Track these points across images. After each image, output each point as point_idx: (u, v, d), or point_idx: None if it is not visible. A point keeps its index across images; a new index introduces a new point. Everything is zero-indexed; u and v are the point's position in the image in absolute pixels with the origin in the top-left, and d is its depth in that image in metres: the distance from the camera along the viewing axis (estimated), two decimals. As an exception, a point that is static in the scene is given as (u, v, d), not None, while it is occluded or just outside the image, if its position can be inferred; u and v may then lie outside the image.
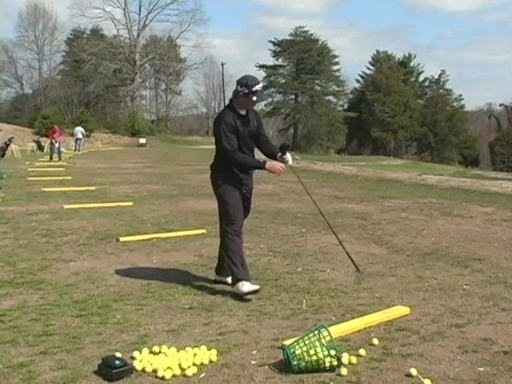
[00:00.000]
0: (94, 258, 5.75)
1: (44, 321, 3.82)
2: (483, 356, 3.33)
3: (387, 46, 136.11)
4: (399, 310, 4.11)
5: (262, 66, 68.29)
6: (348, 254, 4.87)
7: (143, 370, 3.06)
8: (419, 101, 71.56)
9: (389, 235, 7.21)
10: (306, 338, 3.16)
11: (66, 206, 9.19)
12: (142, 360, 3.14)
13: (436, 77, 71.83)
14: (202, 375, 3.04)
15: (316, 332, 3.16)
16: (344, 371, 3.06)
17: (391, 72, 67.05)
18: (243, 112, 4.53)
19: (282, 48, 67.76)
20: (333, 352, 3.08)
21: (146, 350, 3.26)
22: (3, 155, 11.79)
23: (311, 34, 67.90)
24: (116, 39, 60.04)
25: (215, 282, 4.85)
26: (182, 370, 3.07)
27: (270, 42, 68.52)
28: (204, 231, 7.20)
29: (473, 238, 7.14)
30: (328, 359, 3.08)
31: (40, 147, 28.93)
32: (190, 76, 67.74)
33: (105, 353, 3.24)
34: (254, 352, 3.35)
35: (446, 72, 71.49)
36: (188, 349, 3.29)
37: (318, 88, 68.44)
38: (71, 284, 4.74)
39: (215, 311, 4.10)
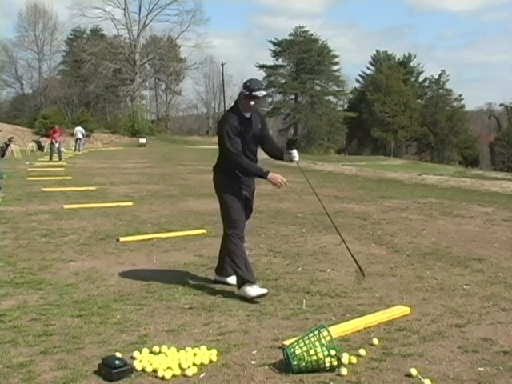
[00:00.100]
0: (94, 258, 5.75)
1: (44, 321, 3.82)
2: (483, 356, 3.34)
3: (387, 46, 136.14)
4: (399, 310, 4.11)
5: (261, 66, 68.32)
6: (354, 258, 4.86)
7: (143, 370, 3.06)
8: (419, 101, 71.55)
9: (389, 235, 7.22)
10: (306, 338, 3.16)
11: (66, 206, 9.19)
12: (142, 360, 3.14)
13: (436, 77, 71.88)
14: (202, 375, 3.04)
15: (316, 332, 3.16)
16: (344, 371, 3.06)
17: (391, 72, 67.04)
18: (248, 115, 4.47)
19: (281, 48, 67.74)
20: (333, 352, 3.08)
21: (146, 350, 3.26)
22: (3, 155, 11.80)
23: (311, 34, 67.90)
24: (116, 39, 60.02)
25: (215, 281, 4.85)
26: (182, 369, 3.07)
27: (270, 41, 68.59)
28: (204, 231, 7.21)
29: (473, 237, 7.14)
30: (328, 359, 3.08)
31: (40, 147, 28.93)
32: (190, 76, 67.78)
33: (105, 353, 3.24)
34: (254, 352, 3.35)
35: (446, 72, 71.54)
36: (188, 349, 3.29)
37: (318, 88, 68.41)
38: (71, 284, 4.74)
39: (215, 311, 4.10)
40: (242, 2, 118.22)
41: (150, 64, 62.30)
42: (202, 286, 4.75)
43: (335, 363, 3.09)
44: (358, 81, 73.70)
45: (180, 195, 11.36)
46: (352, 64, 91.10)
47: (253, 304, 4.25)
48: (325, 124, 65.68)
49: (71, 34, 63.18)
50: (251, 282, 4.37)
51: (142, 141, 45.61)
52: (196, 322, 3.87)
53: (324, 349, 3.09)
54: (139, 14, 60.08)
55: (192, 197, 11.08)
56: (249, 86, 4.38)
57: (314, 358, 3.07)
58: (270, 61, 68.85)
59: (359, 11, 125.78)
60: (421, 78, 73.75)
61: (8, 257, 5.65)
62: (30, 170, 17.31)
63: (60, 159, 22.62)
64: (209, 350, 3.29)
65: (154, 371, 3.04)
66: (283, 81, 68.29)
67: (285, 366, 3.11)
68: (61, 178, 14.70)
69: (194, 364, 3.12)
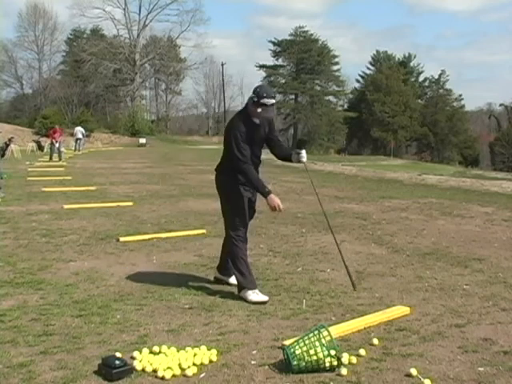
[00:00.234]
0: (94, 258, 5.75)
1: (44, 321, 3.82)
2: (483, 356, 3.34)
3: (387, 46, 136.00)
4: (399, 310, 4.11)
5: (261, 66, 68.35)
6: (347, 270, 4.63)
7: (143, 370, 3.06)
8: (419, 101, 71.52)
9: (389, 235, 7.22)
10: (306, 338, 3.16)
11: (66, 206, 9.19)
12: (142, 360, 3.14)
13: (436, 77, 71.83)
14: (202, 375, 3.04)
15: (316, 332, 3.16)
16: (344, 371, 3.06)
17: (391, 72, 67.01)
18: (256, 121, 4.38)
19: (281, 48, 67.74)
20: (333, 352, 3.08)
21: (146, 350, 3.26)
22: (3, 155, 11.79)
23: (311, 34, 67.90)
24: (116, 39, 60.03)
25: (215, 279, 4.85)
26: (182, 369, 3.07)
27: (270, 42, 68.58)
28: (204, 231, 7.21)
29: (473, 237, 7.14)
30: (328, 359, 3.08)
31: (40, 147, 28.94)
32: (190, 76, 67.80)
33: (105, 353, 3.24)
34: (254, 352, 3.35)
35: (446, 72, 71.49)
36: (188, 349, 3.29)
37: (318, 88, 68.42)
38: (71, 284, 4.74)
39: (215, 311, 4.10)
40: (242, 1, 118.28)
41: (150, 64, 62.32)
42: (202, 286, 4.75)
43: (335, 363, 3.09)
44: (358, 81, 73.76)
45: (180, 195, 11.36)
46: (352, 64, 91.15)
47: (253, 304, 4.25)
48: (325, 124, 65.68)
49: (71, 34, 63.20)
50: (250, 289, 4.36)
51: (142, 141, 45.62)
52: (196, 321, 3.87)
53: (324, 349, 3.09)
54: (139, 14, 60.17)
55: (192, 197, 11.08)
56: (258, 93, 4.28)
57: (314, 357, 3.07)
58: (270, 61, 68.97)
59: (359, 11, 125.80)
60: (421, 78, 73.79)
61: (8, 257, 5.65)
62: (30, 170, 17.30)
63: (60, 159, 22.62)
64: (209, 349, 3.29)
65: (154, 371, 3.04)
66: (283, 81, 68.28)
67: (285, 366, 3.11)
68: (61, 178, 14.70)
69: (194, 364, 3.12)
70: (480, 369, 3.15)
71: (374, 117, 65.67)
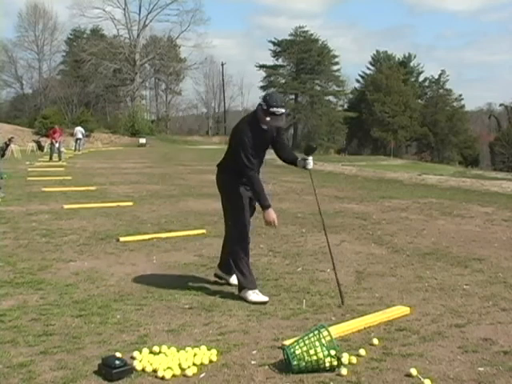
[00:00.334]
0: (94, 258, 5.75)
1: (44, 321, 3.82)
2: (483, 356, 3.34)
3: (387, 46, 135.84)
4: (399, 310, 4.11)
5: (261, 66, 68.28)
6: (338, 282, 4.42)
7: (143, 370, 3.06)
8: (419, 101, 71.46)
9: (389, 235, 7.22)
10: (306, 338, 3.16)
11: (66, 206, 9.19)
12: (142, 360, 3.14)
13: (436, 77, 71.72)
14: (202, 375, 3.04)
15: (316, 332, 3.16)
16: (344, 371, 3.06)
17: (391, 72, 66.97)
18: (265, 127, 4.34)
19: (281, 48, 67.69)
20: (333, 352, 3.08)
21: (146, 350, 3.26)
22: (3, 155, 11.81)
23: (311, 34, 67.85)
24: (116, 39, 60.00)
25: (215, 276, 4.84)
26: (182, 369, 3.07)
27: (270, 42, 68.49)
28: (204, 231, 7.21)
29: (473, 237, 7.14)
30: (328, 359, 3.08)
31: (40, 147, 28.92)
32: (190, 76, 67.71)
33: (105, 353, 3.24)
34: (254, 352, 3.35)
35: (446, 72, 71.37)
36: (188, 349, 3.29)
37: (318, 88, 68.36)
38: (71, 284, 4.74)
39: (215, 311, 4.10)
40: (242, 1, 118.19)
41: (150, 64, 62.28)
42: (202, 286, 4.75)
43: (335, 363, 3.09)
44: (358, 81, 73.67)
45: (180, 195, 11.36)
46: (352, 64, 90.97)
47: (253, 304, 4.25)
48: (325, 124, 65.64)
49: (71, 34, 63.16)
50: (249, 289, 4.37)
51: (142, 141, 45.61)
52: (196, 321, 3.88)
53: (324, 349, 3.09)
54: (139, 14, 60.12)
55: (192, 197, 11.08)
56: (268, 101, 4.22)
57: (314, 357, 3.07)
58: (270, 61, 68.87)
59: (359, 11, 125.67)
60: (421, 78, 73.70)
61: (8, 257, 5.65)
62: (29, 169, 17.30)
63: (60, 159, 22.62)
64: (209, 349, 3.29)
65: (154, 371, 3.04)
66: (283, 81, 68.25)
67: (285, 366, 3.11)
68: (61, 178, 14.70)
69: (194, 364, 3.12)
70: (480, 369, 3.15)
71: (373, 117, 65.64)
